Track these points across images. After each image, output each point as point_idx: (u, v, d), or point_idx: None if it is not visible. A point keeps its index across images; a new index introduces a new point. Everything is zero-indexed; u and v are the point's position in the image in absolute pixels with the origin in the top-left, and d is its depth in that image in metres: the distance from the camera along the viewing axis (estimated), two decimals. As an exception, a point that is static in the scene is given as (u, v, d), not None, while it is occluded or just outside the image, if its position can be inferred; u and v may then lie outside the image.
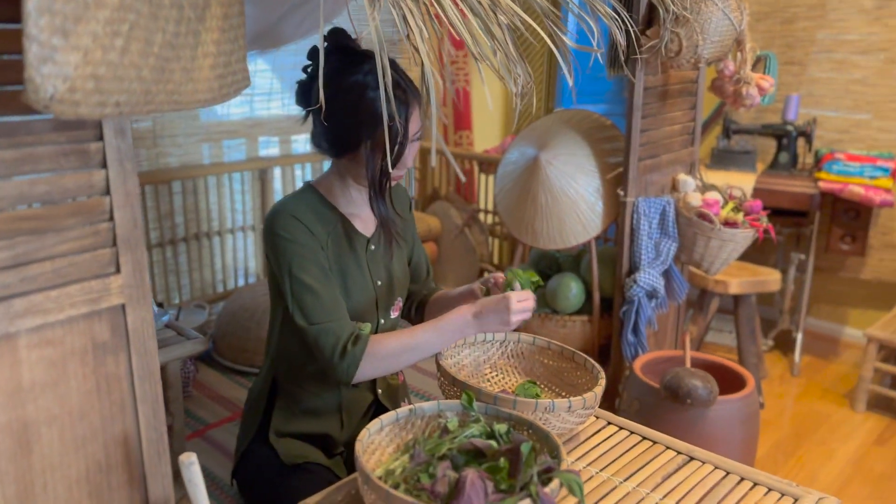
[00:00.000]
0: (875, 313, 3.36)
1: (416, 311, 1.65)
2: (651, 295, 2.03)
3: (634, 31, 1.52)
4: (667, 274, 2.11)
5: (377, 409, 1.59)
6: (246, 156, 2.64)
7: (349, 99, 1.33)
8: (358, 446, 1.09)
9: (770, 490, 1.22)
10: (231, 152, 2.60)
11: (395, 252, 1.54)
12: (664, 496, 1.19)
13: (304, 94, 1.41)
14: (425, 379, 2.27)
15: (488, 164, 2.80)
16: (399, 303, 1.58)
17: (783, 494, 1.20)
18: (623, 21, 1.40)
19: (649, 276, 2.02)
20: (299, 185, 2.86)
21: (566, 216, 2.03)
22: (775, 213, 2.91)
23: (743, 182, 2.93)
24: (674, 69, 2.02)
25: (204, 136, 2.51)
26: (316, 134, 1.42)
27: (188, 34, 0.99)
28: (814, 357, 3.34)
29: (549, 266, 2.34)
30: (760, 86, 1.97)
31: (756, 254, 3.43)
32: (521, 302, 1.35)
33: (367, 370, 1.33)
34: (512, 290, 1.42)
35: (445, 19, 1.12)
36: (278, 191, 2.74)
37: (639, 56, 1.77)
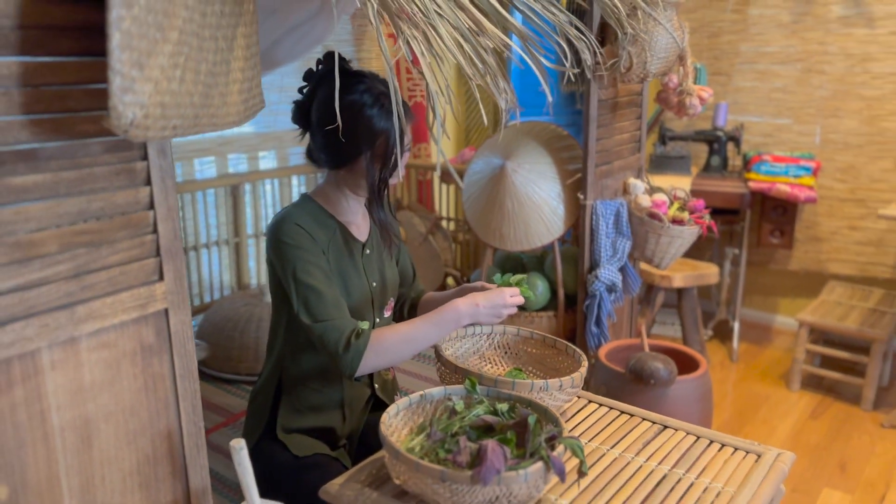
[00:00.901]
0: (803, 301, 3.66)
1: (409, 313, 1.78)
2: (610, 289, 2.22)
3: (599, 50, 1.70)
4: (623, 269, 2.30)
5: (375, 403, 1.71)
6: (217, 173, 2.71)
7: (346, 116, 1.45)
8: (382, 427, 1.21)
9: (736, 449, 1.40)
10: (203, 170, 2.67)
11: (384, 255, 1.67)
12: (647, 459, 1.36)
13: (303, 113, 1.53)
14: (410, 379, 2.40)
15: (448, 174, 2.96)
16: (391, 303, 1.70)
17: (748, 452, 1.38)
18: (588, 42, 1.57)
19: (608, 272, 2.20)
20: (269, 199, 2.95)
21: (531, 220, 2.19)
22: (710, 213, 3.17)
23: (680, 184, 3.17)
24: (623, 83, 2.21)
25: (177, 155, 2.56)
26: (315, 149, 1.54)
27: (222, 63, 1.10)
28: (750, 344, 3.61)
29: (514, 267, 2.50)
30: (701, 97, 2.19)
31: (694, 251, 3.70)
32: (513, 297, 1.49)
33: (370, 361, 1.42)
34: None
35: (442, 45, 1.27)
36: (249, 204, 2.82)
37: (603, 73, 1.96)
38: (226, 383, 2.31)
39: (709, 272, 3.10)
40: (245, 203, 2.75)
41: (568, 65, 1.41)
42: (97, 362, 1.04)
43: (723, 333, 3.70)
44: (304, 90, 1.54)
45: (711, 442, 1.43)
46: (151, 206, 1.09)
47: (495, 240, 2.26)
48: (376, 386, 1.70)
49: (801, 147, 3.50)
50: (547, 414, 1.26)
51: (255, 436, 1.62)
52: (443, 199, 3.23)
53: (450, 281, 2.85)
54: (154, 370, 1.12)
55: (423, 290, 1.80)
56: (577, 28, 1.55)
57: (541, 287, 2.32)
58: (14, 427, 0.96)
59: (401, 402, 1.31)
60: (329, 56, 1.51)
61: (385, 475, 1.29)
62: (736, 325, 3.50)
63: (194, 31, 0.97)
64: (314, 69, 1.52)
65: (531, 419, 1.22)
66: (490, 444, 1.12)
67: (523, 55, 1.42)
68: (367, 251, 1.62)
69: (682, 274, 3.02)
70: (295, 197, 2.91)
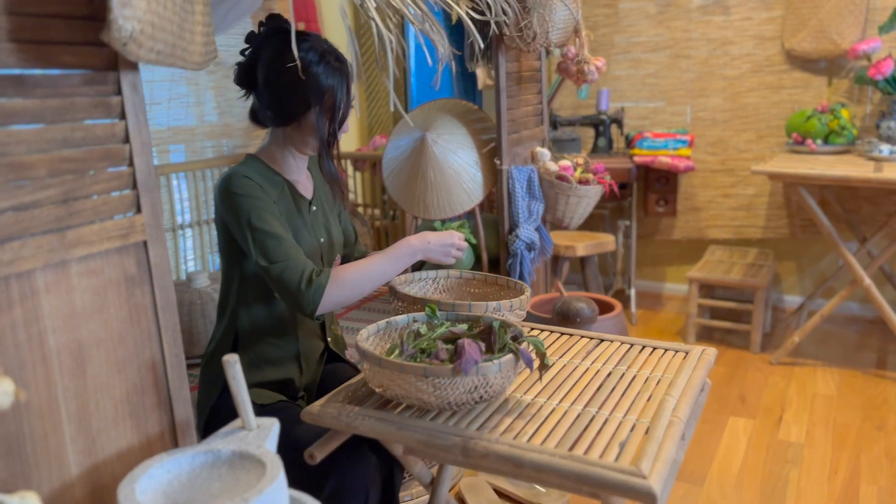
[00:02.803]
0: (688, 268, 3.99)
1: None
2: (530, 247, 2.38)
3: (507, 24, 1.87)
4: (538, 230, 2.47)
5: (329, 356, 1.78)
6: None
7: (295, 75, 1.51)
8: (359, 343, 1.29)
9: (666, 350, 1.57)
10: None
11: (329, 214, 1.75)
12: (592, 362, 1.51)
13: (247, 74, 1.58)
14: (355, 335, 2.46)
15: (362, 162, 3.04)
16: (338, 259, 1.77)
17: (676, 351, 1.56)
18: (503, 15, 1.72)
19: (527, 231, 2.36)
20: (183, 193, 2.91)
21: (453, 187, 2.32)
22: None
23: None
24: (525, 54, 2.40)
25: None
26: (260, 108, 1.59)
27: (188, 3, 1.16)
28: (646, 310, 3.90)
29: (435, 239, 2.61)
30: (596, 65, 2.41)
31: (590, 225, 3.97)
32: (461, 240, 1.61)
33: (332, 296, 1.46)
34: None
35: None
36: (165, 198, 2.77)
37: (515, 37, 2.12)
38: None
39: (606, 240, 3.36)
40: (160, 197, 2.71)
41: (492, 16, 1.55)
42: (86, 289, 1.07)
43: (621, 301, 3.98)
44: (247, 52, 1.59)
45: (644, 347, 1.60)
46: (127, 139, 1.13)
47: (419, 210, 2.37)
48: (329, 339, 1.76)
49: (675, 126, 3.85)
50: (506, 323, 1.38)
51: (212, 395, 1.64)
52: (357, 186, 3.31)
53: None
54: (137, 301, 1.15)
55: (366, 251, 1.88)
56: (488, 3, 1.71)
57: (464, 252, 2.45)
58: (15, 346, 0.97)
59: (370, 328, 1.40)
60: (271, 18, 1.58)
61: (362, 394, 1.37)
62: (632, 292, 3.77)
63: (178, -43, 1.03)
64: (256, 31, 1.58)
65: (495, 324, 1.34)
66: (465, 341, 1.23)
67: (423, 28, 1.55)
68: (314, 208, 1.68)
69: (583, 243, 3.25)
70: (210, 188, 2.90)
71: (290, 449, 1.41)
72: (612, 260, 4.03)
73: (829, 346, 3.31)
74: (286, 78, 1.51)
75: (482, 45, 1.59)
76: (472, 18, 1.63)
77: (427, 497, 1.84)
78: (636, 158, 3.54)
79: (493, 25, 1.72)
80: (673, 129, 3.73)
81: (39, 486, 1.01)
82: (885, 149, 2.95)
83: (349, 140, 3.76)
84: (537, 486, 2.17)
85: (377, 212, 3.27)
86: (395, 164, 2.42)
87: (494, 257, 2.50)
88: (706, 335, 3.50)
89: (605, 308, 2.35)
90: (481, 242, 2.44)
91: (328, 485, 1.40)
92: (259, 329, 1.63)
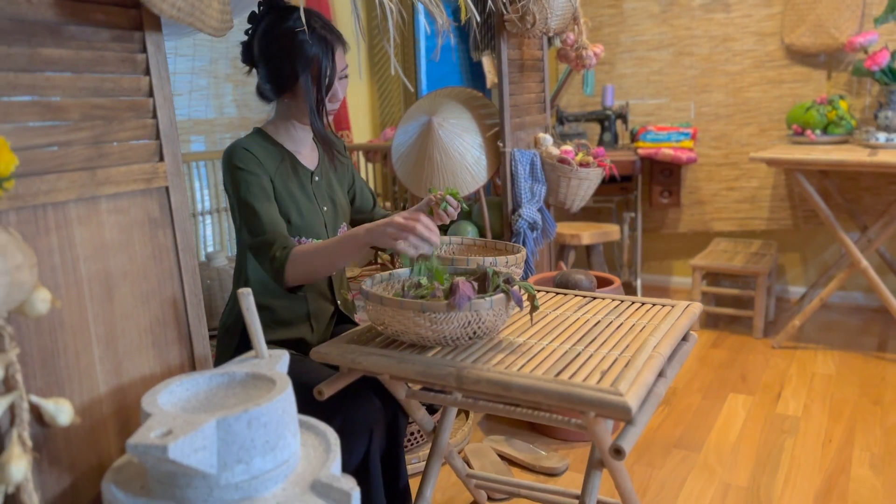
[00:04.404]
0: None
1: None
2: (532, 227, 2.48)
3: (505, 5, 1.98)
4: (540, 212, 2.57)
5: (339, 317, 1.88)
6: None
7: (284, 44, 1.61)
8: (364, 287, 1.40)
9: (654, 304, 1.66)
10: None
11: (336, 184, 1.85)
12: (584, 314, 1.60)
13: (248, 50, 1.70)
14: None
15: (374, 153, 3.17)
16: (344, 227, 1.88)
17: (664, 305, 1.65)
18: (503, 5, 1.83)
19: (529, 211, 2.46)
20: (203, 182, 3.04)
21: (458, 169, 2.43)
22: (607, 183, 3.53)
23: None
24: (528, 40, 2.51)
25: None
26: (261, 82, 1.71)
27: (207, -29, 1.28)
28: (653, 302, 3.97)
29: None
30: (595, 51, 2.51)
31: (595, 216, 4.06)
32: (426, 227, 1.39)
33: (292, 272, 1.52)
34: (444, 210, 1.69)
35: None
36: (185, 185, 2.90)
37: (514, 20, 2.23)
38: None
39: (611, 230, 3.45)
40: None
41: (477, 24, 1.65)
42: (114, 225, 1.18)
43: (628, 293, 4.05)
44: (249, 31, 1.71)
45: (633, 302, 1.69)
46: (151, 93, 1.25)
47: (426, 192, 2.47)
48: (339, 302, 1.86)
49: (680, 121, 3.94)
50: (500, 270, 1.48)
51: (229, 354, 1.74)
52: (369, 178, 3.43)
53: (384, 256, 3.03)
54: (160, 241, 1.27)
55: (386, 214, 1.97)
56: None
57: (470, 232, 2.55)
58: (51, 269, 1.08)
59: (374, 277, 1.50)
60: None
61: (367, 337, 1.47)
62: (639, 282, 3.85)
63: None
64: (256, 11, 1.70)
65: (489, 270, 1.43)
66: (460, 280, 1.33)
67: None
68: (317, 178, 1.79)
69: (589, 232, 3.35)
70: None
71: (302, 391, 1.51)
72: (618, 252, 4.11)
73: (831, 331, 3.37)
74: (276, 48, 1.62)
75: (479, 20, 1.70)
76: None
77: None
78: (640, 151, 3.63)
79: (490, 3, 1.83)
80: (677, 123, 3.82)
81: (71, 398, 1.12)
82: (882, 136, 3.02)
83: (361, 133, 3.89)
84: (538, 450, 2.25)
85: (388, 204, 3.38)
86: (403, 148, 2.53)
87: (498, 237, 2.60)
88: (711, 323, 3.57)
89: (603, 283, 2.44)
90: (486, 223, 2.54)
91: (335, 423, 1.50)
92: (271, 292, 1.74)
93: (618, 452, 1.15)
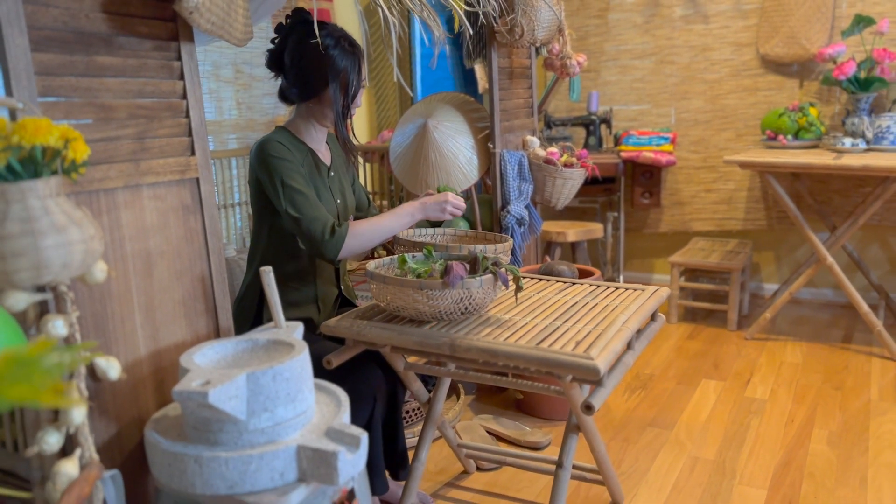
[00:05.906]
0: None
1: None
2: (520, 222, 2.66)
3: (495, 18, 2.17)
4: (528, 209, 2.76)
5: (342, 301, 2.06)
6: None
7: (315, 56, 1.81)
8: (370, 268, 1.58)
9: (626, 289, 1.85)
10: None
11: (343, 180, 2.04)
12: (564, 296, 1.79)
13: (276, 59, 1.89)
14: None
15: (371, 154, 3.35)
16: (351, 219, 2.06)
17: (636, 289, 1.84)
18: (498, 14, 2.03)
19: (517, 208, 2.65)
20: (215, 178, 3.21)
21: (452, 169, 2.62)
22: (591, 184, 3.72)
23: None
24: (516, 50, 2.71)
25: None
26: (287, 87, 1.89)
27: (234, -11, 1.46)
28: (635, 298, 4.16)
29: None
30: (578, 60, 2.71)
31: (580, 216, 4.25)
32: (456, 199, 1.89)
33: (350, 245, 1.76)
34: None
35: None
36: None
37: (503, 32, 2.43)
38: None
39: (595, 228, 3.64)
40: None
41: (479, 8, 1.85)
42: (154, 210, 1.36)
43: (612, 292, 4.25)
44: (276, 41, 1.90)
45: (608, 287, 1.88)
46: (185, 96, 1.43)
47: (422, 189, 2.66)
48: (342, 287, 2.05)
49: (661, 126, 4.15)
50: (489, 258, 1.66)
51: (242, 332, 1.92)
52: (367, 177, 3.61)
53: (381, 251, 3.21)
54: (191, 225, 1.44)
55: (378, 212, 2.17)
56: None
57: (463, 226, 2.73)
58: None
59: (378, 261, 1.69)
60: (296, 11, 1.88)
61: (370, 314, 1.65)
62: (621, 279, 4.04)
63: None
64: (283, 23, 1.89)
65: (479, 254, 1.62)
66: (454, 262, 1.51)
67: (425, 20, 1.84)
68: (332, 174, 1.98)
69: (574, 230, 3.54)
70: (236, 179, 3.20)
71: (311, 364, 1.69)
72: (602, 250, 4.31)
73: (801, 325, 3.57)
74: (308, 59, 1.81)
75: (471, 31, 1.89)
76: (464, 12, 1.93)
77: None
78: (623, 154, 3.83)
79: (481, 16, 2.02)
80: (658, 128, 4.03)
81: (117, 358, 1.30)
82: (847, 141, 3.23)
83: (360, 134, 4.08)
84: (524, 426, 2.43)
85: (385, 202, 3.56)
86: (400, 149, 2.71)
87: (488, 231, 2.78)
88: (689, 316, 3.77)
89: (585, 275, 2.63)
90: (477, 218, 2.73)
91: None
92: (282, 276, 1.92)
93: (588, 408, 1.34)
